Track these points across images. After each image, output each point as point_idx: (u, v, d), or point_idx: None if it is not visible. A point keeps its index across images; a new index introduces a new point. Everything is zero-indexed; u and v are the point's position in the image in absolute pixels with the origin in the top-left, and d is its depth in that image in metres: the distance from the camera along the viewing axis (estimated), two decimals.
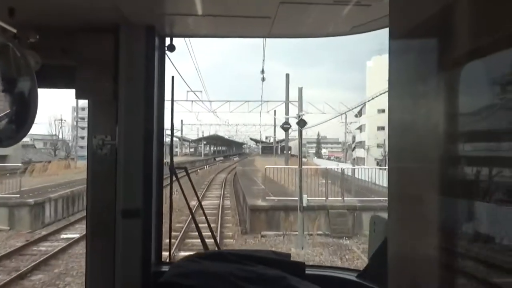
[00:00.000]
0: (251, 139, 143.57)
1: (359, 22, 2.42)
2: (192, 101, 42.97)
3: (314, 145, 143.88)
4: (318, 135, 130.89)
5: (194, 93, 40.00)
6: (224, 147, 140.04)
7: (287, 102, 44.77)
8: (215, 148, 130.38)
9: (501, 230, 0.85)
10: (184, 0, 2.26)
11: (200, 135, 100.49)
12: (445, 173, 0.91)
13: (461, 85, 0.88)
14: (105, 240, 2.47)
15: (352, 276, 2.44)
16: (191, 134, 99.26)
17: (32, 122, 2.17)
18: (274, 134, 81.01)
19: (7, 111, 2.12)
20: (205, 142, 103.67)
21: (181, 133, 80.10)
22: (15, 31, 2.24)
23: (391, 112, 1.10)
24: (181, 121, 76.69)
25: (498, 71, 0.83)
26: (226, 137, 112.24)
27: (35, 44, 2.25)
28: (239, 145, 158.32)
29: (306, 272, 2.36)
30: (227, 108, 46.01)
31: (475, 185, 0.88)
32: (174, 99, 2.69)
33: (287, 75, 47.90)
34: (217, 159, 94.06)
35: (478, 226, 0.89)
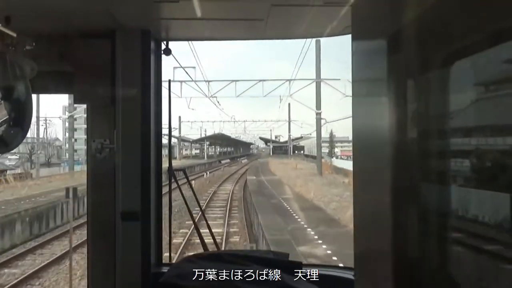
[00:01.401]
0: (261, 138, 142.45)
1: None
2: (181, 81, 34.27)
3: (326, 144, 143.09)
4: (331, 132, 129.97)
5: (184, 70, 30.54)
6: (230, 148, 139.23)
7: (318, 80, 35.67)
8: (220, 149, 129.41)
9: (458, 219, 1.07)
10: (179, 4, 2.54)
11: (203, 135, 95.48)
12: (403, 171, 1.10)
13: (415, 89, 1.09)
14: (105, 242, 2.79)
15: (349, 275, 2.72)
16: (192, 133, 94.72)
17: (29, 126, 2.55)
18: (289, 131, 75.32)
19: (6, 118, 2.46)
20: (208, 143, 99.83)
21: (179, 132, 72.91)
22: (12, 37, 2.52)
23: (354, 114, 1.33)
24: (179, 117, 69.81)
25: (446, 75, 1.05)
26: (233, 136, 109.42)
27: (32, 51, 2.56)
28: (247, 145, 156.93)
29: (304, 271, 2.66)
30: (232, 91, 36.61)
31: (435, 180, 1.09)
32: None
33: (318, 41, 37.02)
34: (222, 161, 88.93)
35: (437, 221, 1.09)
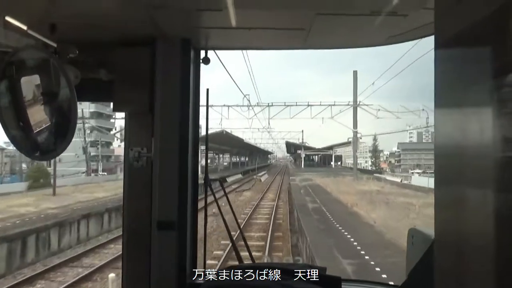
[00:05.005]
0: (288, 143, 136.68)
1: (395, 32, 3.26)
2: None
3: (365, 155, 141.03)
4: (375, 139, 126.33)
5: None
6: (243, 157, 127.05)
7: None
8: (227, 159, 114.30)
9: None
10: (220, 13, 3.09)
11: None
12: (498, 189, 1.15)
13: None
14: (141, 251, 3.40)
15: None
16: None
17: (72, 135, 3.03)
18: (355, 125, 60.92)
19: (48, 124, 3.02)
20: (202, 148, 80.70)
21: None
22: (55, 46, 3.15)
23: (437, 125, 1.42)
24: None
25: None
26: (248, 140, 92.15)
27: (75, 59, 3.15)
28: (264, 154, 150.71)
29: (342, 286, 3.18)
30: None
31: None
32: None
33: None
34: (229, 179, 67.51)
35: None
